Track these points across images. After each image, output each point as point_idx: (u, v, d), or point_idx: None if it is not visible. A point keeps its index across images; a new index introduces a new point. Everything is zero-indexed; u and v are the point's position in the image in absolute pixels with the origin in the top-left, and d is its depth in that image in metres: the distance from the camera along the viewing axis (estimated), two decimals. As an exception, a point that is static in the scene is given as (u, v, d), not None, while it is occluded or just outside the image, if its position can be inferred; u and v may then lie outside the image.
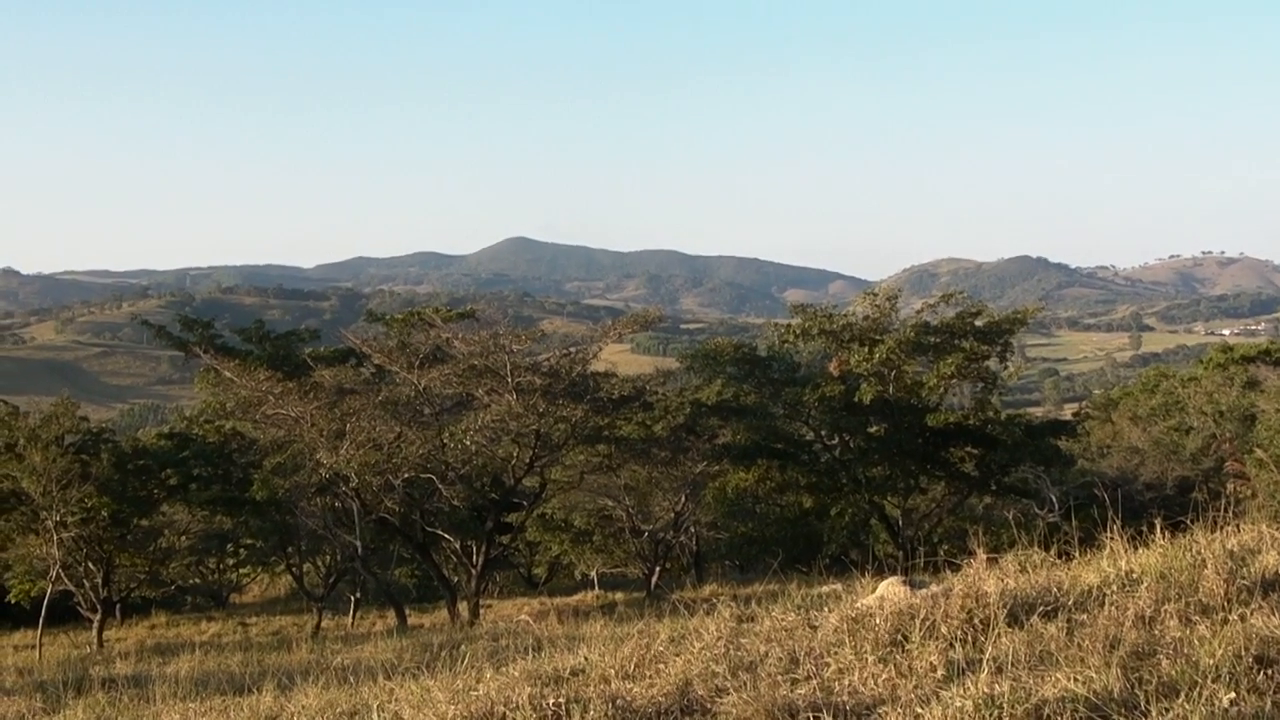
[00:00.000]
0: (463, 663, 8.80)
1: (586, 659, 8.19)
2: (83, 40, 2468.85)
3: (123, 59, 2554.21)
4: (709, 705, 6.46)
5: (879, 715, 5.84)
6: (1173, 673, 5.76)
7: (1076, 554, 8.92)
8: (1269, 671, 5.71)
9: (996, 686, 5.68)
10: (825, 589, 12.58)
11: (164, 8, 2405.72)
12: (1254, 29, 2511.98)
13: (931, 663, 6.44)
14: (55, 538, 32.39)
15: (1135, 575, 7.70)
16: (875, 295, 35.58)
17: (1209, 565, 7.33)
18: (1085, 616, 6.94)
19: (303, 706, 8.55)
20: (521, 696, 6.73)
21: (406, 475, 29.10)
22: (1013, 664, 6.12)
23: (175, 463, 37.03)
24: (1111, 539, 8.57)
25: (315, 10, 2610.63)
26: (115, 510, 35.25)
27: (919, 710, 5.70)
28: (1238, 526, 8.68)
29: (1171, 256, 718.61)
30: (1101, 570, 8.09)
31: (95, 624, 34.34)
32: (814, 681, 6.57)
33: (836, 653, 6.93)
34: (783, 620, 8.16)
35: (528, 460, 30.43)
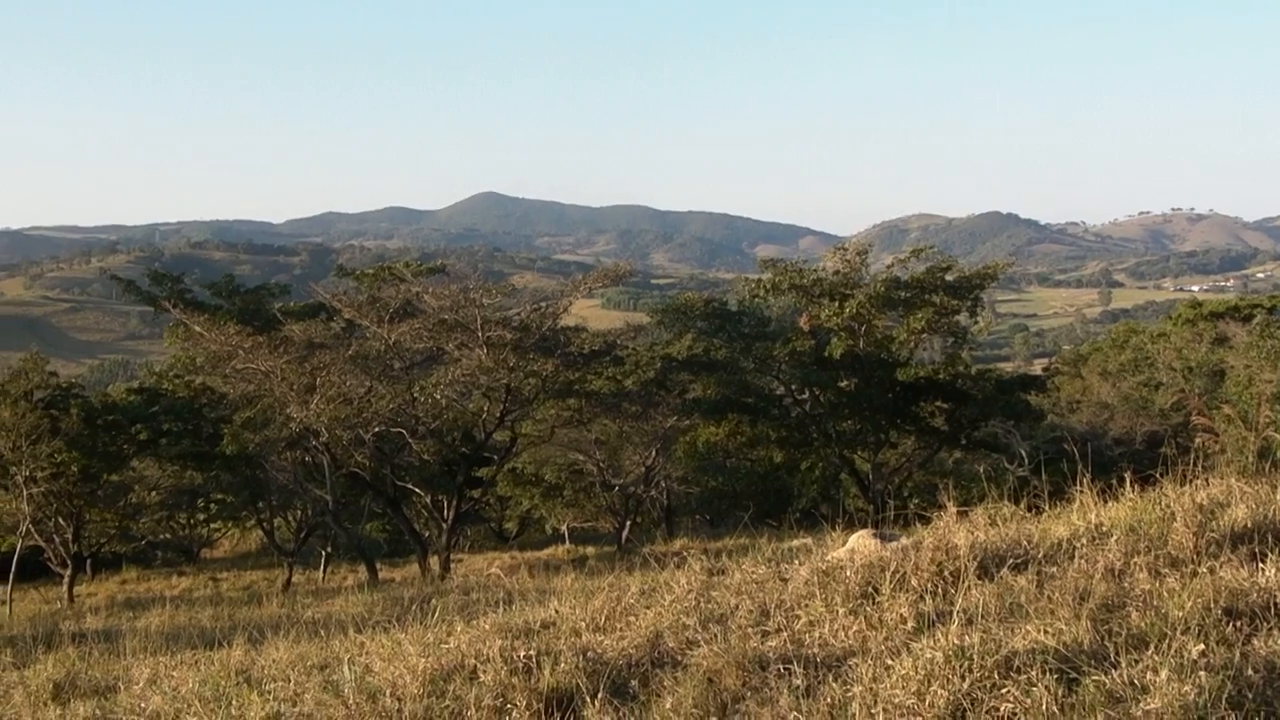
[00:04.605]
0: (434, 616, 8.78)
1: (557, 612, 8.19)
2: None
3: (93, 16, 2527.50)
4: (679, 657, 6.46)
5: (849, 667, 5.84)
6: (1142, 625, 5.78)
7: (1046, 508, 8.93)
8: (1237, 623, 5.73)
9: (966, 638, 5.67)
10: (796, 542, 12.58)
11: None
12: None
13: (902, 614, 6.45)
14: (25, 493, 32.31)
15: (1105, 528, 7.70)
16: (846, 250, 35.45)
17: (1178, 518, 7.34)
18: (1055, 569, 6.94)
19: (273, 660, 8.54)
20: (492, 649, 6.72)
21: (377, 429, 29.10)
22: (983, 616, 6.13)
23: (145, 418, 36.85)
24: (1081, 493, 8.59)
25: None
26: (85, 465, 35.10)
27: (889, 662, 5.70)
28: (1206, 480, 8.67)
29: (1141, 213, 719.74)
30: (1071, 523, 8.10)
31: (65, 579, 34.28)
32: (784, 634, 6.58)
33: (807, 605, 6.93)
34: (753, 573, 8.14)
35: (498, 414, 30.46)
